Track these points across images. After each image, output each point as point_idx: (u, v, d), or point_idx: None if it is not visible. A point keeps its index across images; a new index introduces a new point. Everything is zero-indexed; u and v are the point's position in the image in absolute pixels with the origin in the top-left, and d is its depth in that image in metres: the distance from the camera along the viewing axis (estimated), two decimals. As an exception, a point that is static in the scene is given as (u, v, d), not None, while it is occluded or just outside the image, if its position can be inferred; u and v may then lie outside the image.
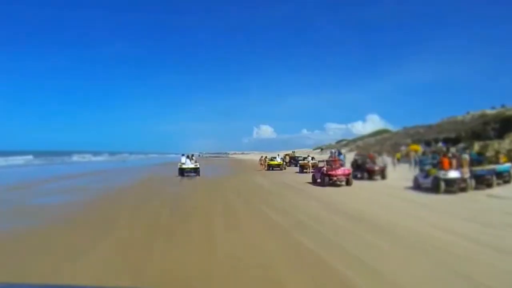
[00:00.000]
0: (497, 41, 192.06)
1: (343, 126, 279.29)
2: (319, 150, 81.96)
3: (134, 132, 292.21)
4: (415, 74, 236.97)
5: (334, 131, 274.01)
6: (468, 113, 44.12)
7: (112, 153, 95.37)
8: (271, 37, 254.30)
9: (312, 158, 29.77)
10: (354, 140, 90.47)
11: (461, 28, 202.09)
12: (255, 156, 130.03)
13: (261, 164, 34.47)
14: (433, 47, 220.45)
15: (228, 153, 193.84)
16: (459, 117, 43.21)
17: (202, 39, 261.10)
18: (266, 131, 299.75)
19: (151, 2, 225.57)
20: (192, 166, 24.81)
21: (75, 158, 67.61)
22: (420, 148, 30.10)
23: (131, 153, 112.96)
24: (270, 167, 32.67)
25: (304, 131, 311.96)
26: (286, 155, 38.00)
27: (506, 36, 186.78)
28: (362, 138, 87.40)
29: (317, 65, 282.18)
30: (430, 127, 46.33)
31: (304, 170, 27.36)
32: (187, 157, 25.94)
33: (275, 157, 35.35)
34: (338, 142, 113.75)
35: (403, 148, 33.74)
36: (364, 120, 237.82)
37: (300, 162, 31.95)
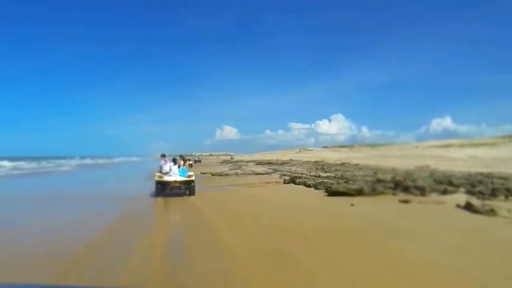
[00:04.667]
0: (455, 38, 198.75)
1: (307, 125, 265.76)
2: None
3: (89, 135, 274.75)
4: (372, 74, 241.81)
5: (298, 131, 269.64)
6: None
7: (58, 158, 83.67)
8: (233, 39, 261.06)
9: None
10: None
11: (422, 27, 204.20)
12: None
13: None
14: (389, 49, 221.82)
15: (194, 155, 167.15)
16: None
17: (161, 40, 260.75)
18: (229, 132, 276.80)
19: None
20: (183, 178, 13.96)
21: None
22: None
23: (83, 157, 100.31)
24: None
25: (268, 132, 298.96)
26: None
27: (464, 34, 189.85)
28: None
29: (279, 66, 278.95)
30: None
31: None
32: (173, 161, 14.57)
33: None
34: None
35: None
36: (329, 120, 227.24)
37: None
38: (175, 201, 12.48)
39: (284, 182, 17.77)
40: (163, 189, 13.82)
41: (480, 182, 14.71)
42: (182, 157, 15.16)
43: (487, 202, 10.18)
